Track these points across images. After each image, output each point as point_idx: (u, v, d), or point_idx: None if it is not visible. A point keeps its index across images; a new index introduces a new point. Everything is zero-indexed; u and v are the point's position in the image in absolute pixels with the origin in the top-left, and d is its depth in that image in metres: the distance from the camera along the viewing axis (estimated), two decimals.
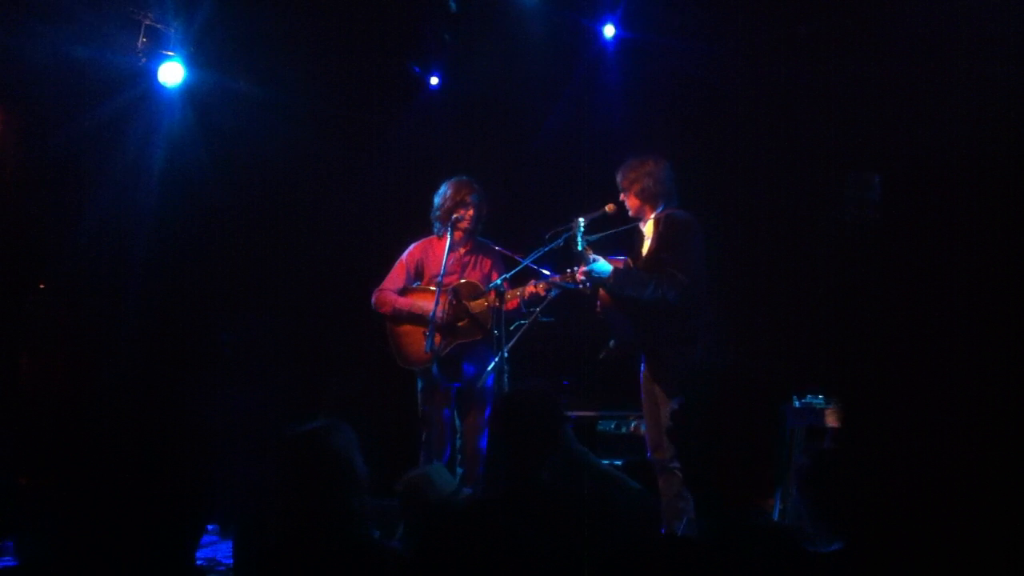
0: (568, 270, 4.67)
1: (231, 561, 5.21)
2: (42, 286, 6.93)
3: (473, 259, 5.34)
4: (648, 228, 4.72)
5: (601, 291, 4.62)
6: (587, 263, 4.51)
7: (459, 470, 5.06)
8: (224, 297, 7.09)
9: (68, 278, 6.92)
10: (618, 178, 4.73)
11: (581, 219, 4.56)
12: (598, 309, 4.69)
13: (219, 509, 5.95)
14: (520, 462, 2.86)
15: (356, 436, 2.70)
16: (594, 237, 4.60)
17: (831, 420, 4.80)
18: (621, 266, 4.59)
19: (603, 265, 4.52)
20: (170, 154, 6.80)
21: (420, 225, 5.54)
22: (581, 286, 4.63)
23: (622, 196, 4.73)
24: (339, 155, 7.20)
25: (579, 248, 4.49)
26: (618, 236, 4.77)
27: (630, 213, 4.75)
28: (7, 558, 4.72)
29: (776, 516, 4.14)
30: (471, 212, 5.23)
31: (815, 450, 3.59)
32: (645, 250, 4.71)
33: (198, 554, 5.16)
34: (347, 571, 2.56)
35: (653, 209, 4.69)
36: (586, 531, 2.67)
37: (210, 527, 6.04)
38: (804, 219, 5.71)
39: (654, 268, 4.55)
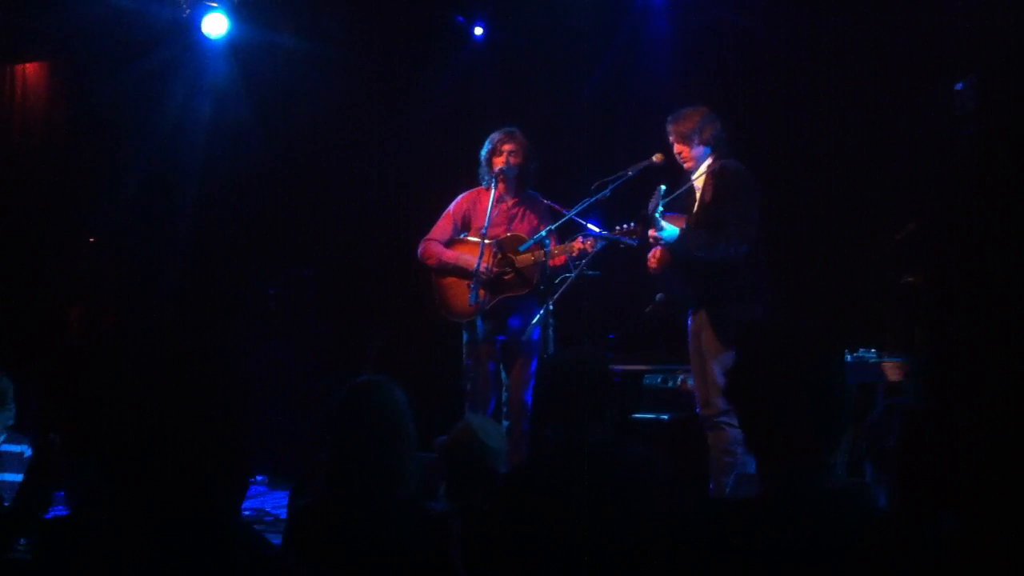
0: (623, 226, 4.59)
1: (279, 512, 5.26)
2: (92, 240, 6.98)
3: (520, 211, 5.28)
4: (700, 180, 4.59)
5: (660, 247, 4.52)
6: (658, 229, 4.41)
7: (504, 423, 5.04)
8: (269, 251, 7.11)
9: (114, 230, 6.97)
10: (672, 129, 4.59)
11: (663, 186, 4.40)
12: (654, 264, 4.58)
13: (269, 461, 6.04)
14: (567, 426, 2.81)
15: (406, 396, 2.68)
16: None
17: (890, 374, 4.69)
18: (683, 225, 4.50)
19: (671, 231, 4.42)
20: (214, 107, 6.80)
21: (465, 179, 5.48)
22: (640, 240, 4.54)
23: (678, 147, 4.59)
24: (384, 108, 7.14)
25: (656, 215, 4.36)
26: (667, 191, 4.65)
27: (686, 165, 4.61)
28: (59, 507, 4.79)
29: (842, 470, 4.06)
30: (513, 160, 5.17)
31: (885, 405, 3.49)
32: (697, 204, 4.59)
33: (245, 504, 5.24)
34: (391, 529, 2.54)
35: (715, 158, 4.56)
36: (637, 496, 2.63)
37: (259, 478, 6.10)
38: (861, 174, 5.58)
39: (712, 222, 4.43)
